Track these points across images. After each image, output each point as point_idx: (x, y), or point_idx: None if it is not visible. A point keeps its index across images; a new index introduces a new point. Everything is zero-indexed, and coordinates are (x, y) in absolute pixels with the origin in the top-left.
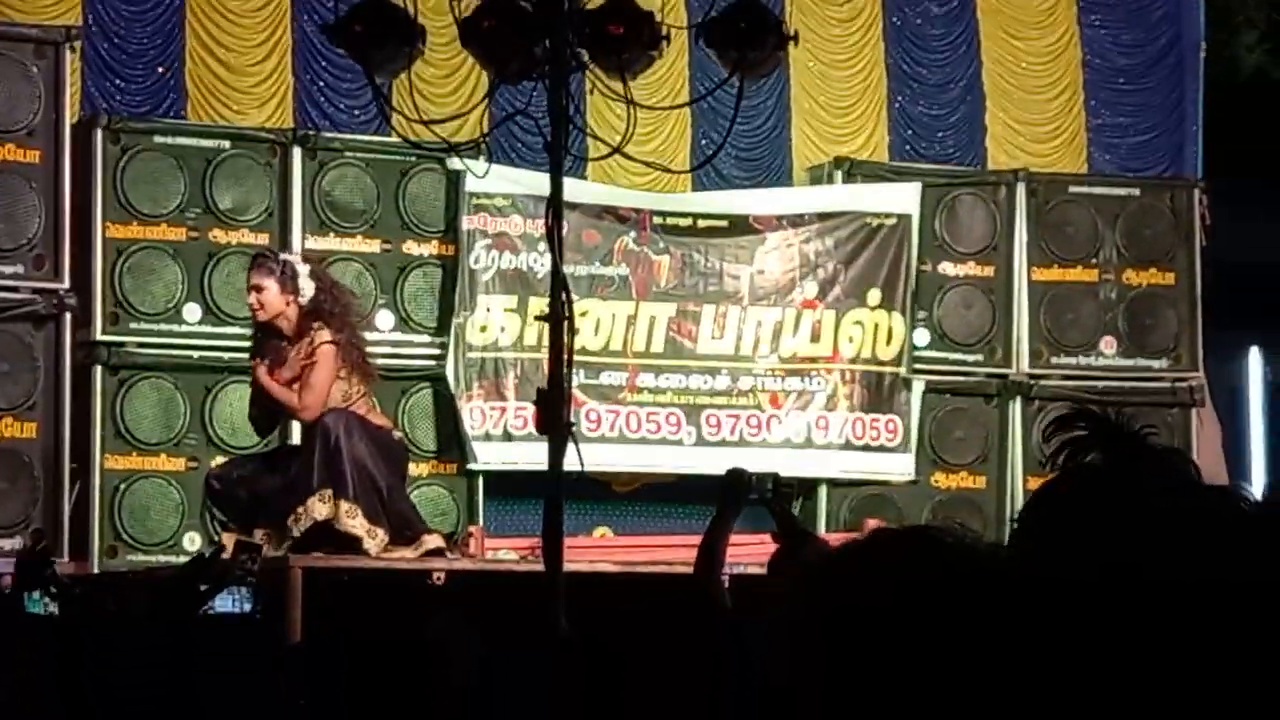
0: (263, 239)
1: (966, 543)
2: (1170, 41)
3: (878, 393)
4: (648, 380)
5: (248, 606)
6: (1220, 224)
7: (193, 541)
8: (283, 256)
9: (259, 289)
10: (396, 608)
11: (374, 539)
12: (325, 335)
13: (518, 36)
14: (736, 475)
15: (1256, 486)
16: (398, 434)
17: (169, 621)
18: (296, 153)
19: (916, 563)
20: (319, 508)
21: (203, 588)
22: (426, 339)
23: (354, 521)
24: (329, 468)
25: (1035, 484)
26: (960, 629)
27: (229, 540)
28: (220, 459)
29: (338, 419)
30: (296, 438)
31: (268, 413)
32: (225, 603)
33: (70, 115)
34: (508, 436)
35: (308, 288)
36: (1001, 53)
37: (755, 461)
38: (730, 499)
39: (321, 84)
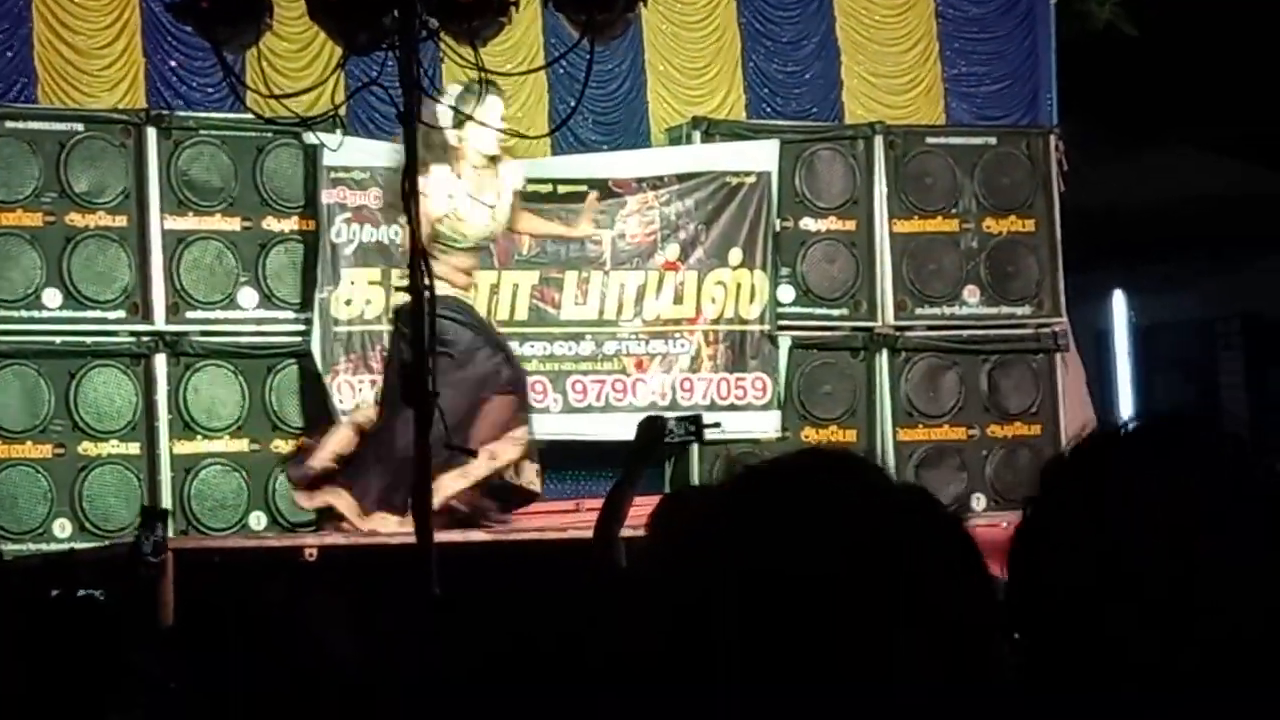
0: (120, 220)
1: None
2: None
3: (742, 352)
4: (512, 349)
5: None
6: (1078, 169)
7: (64, 529)
8: None
9: None
10: (270, 586)
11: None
12: None
13: (365, 7)
14: (651, 422)
15: None
16: None
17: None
18: (151, 133)
19: (846, 479)
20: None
21: (54, 593)
22: (291, 315)
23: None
24: None
25: (905, 436)
26: (882, 546)
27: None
28: (87, 444)
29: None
30: None
31: None
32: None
33: None
34: None
35: None
36: (854, 6)
37: (621, 425)
38: (645, 448)
39: (173, 63)
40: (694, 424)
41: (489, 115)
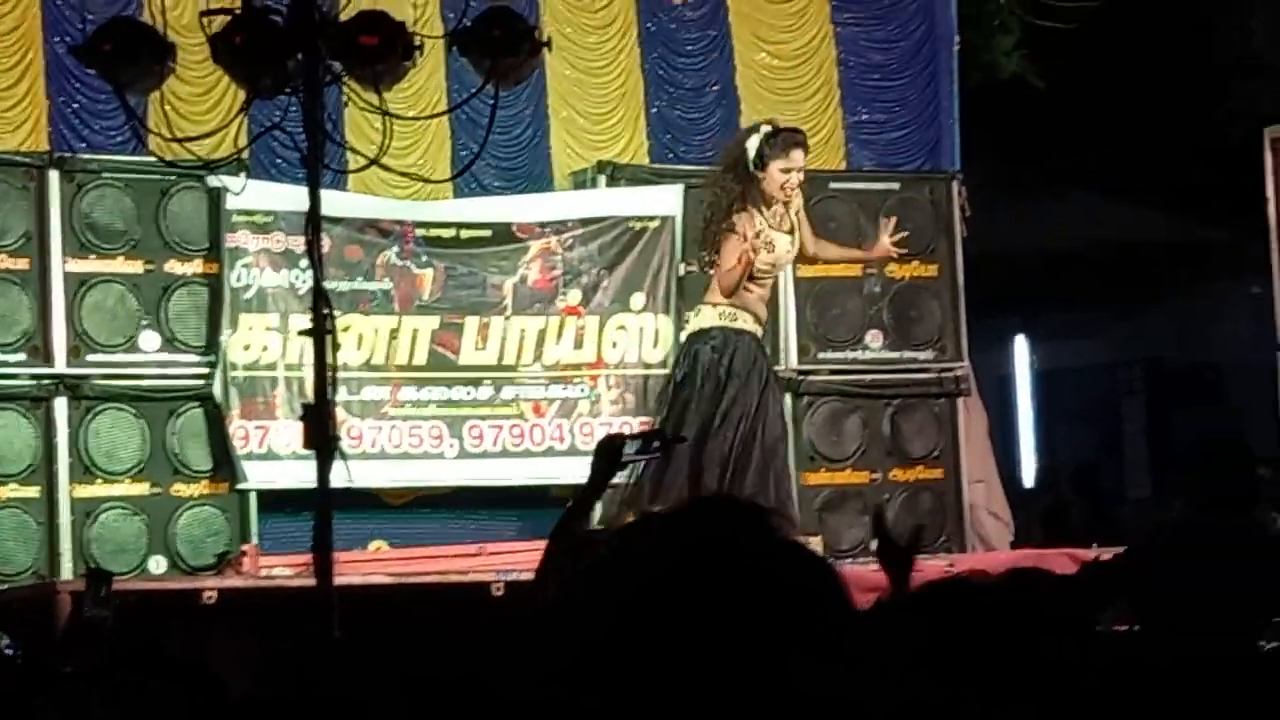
0: (22, 263)
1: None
2: (924, 36)
3: (646, 396)
4: (410, 394)
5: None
6: (981, 214)
7: None
8: None
9: None
10: (169, 628)
11: None
12: None
13: (269, 51)
14: (609, 442)
15: (1026, 472)
16: None
17: None
18: (53, 175)
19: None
20: None
21: None
22: (194, 358)
23: None
24: None
25: (809, 479)
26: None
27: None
28: None
29: None
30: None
31: None
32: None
33: None
34: (274, 455)
35: None
36: (753, 57)
37: (518, 470)
38: (603, 471)
39: (76, 105)
40: (655, 439)
41: (791, 164)
